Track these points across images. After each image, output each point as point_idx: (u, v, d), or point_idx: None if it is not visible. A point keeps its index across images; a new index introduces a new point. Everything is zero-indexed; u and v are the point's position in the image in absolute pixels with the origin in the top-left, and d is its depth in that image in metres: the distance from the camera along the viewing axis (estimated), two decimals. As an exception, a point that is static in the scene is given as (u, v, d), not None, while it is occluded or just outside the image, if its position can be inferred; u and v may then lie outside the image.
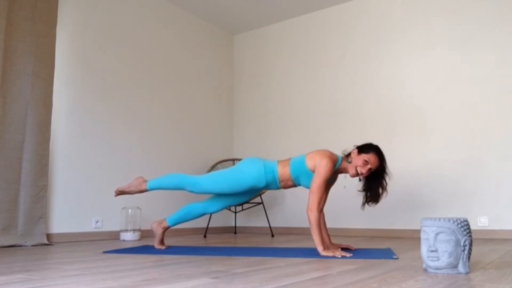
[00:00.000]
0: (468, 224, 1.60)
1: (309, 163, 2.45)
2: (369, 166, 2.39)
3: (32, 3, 3.32)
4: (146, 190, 2.69)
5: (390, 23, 4.25)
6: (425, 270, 1.65)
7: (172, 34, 4.59)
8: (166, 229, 2.74)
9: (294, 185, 2.58)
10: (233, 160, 4.76)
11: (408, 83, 4.07)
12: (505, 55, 3.62)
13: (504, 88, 3.60)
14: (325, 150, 2.48)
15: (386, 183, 2.46)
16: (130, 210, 3.71)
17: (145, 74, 4.25)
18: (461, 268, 1.56)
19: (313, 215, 2.31)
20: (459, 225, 1.57)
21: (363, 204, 2.50)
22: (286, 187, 2.59)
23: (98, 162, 3.72)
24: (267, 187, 2.57)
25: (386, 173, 2.45)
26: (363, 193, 2.52)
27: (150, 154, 4.19)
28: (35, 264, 1.99)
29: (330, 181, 2.56)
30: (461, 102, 3.78)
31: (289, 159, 2.58)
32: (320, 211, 2.43)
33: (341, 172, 2.54)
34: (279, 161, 2.58)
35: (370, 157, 2.40)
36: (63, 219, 3.43)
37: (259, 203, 4.44)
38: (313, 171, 2.43)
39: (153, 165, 4.20)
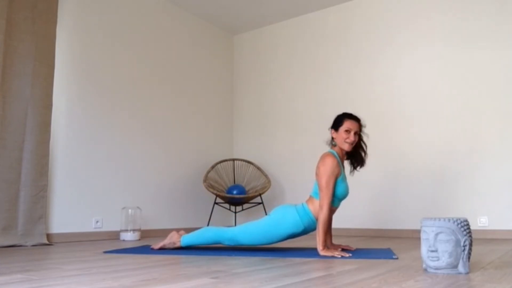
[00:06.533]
0: (468, 224, 1.60)
1: (317, 177, 2.41)
2: (352, 132, 2.45)
3: (32, 3, 3.32)
4: (180, 247, 2.58)
5: (389, 23, 4.25)
6: (425, 270, 1.65)
7: (172, 34, 4.59)
8: (177, 248, 2.61)
9: (332, 208, 2.48)
10: (233, 160, 4.76)
11: (407, 83, 4.07)
12: (505, 55, 3.62)
13: (505, 87, 3.60)
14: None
15: (365, 145, 2.55)
16: (130, 210, 3.71)
17: (145, 74, 4.25)
18: (461, 268, 1.56)
19: (323, 213, 2.30)
20: (459, 225, 1.57)
21: (352, 171, 2.61)
22: None
23: (98, 162, 3.72)
24: (305, 230, 2.45)
25: (363, 134, 2.53)
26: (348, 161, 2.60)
27: (150, 154, 4.19)
28: (35, 264, 1.99)
29: (342, 176, 2.45)
30: (462, 101, 3.78)
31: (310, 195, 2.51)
32: (333, 211, 2.45)
33: (344, 158, 2.55)
34: (306, 201, 2.48)
35: (346, 124, 2.45)
36: (63, 219, 3.43)
37: (259, 203, 4.43)
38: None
39: (153, 164, 4.20)
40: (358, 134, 2.49)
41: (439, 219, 1.59)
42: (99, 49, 3.85)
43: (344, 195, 2.46)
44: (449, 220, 1.57)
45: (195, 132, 4.73)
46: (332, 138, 2.53)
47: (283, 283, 1.38)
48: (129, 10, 4.17)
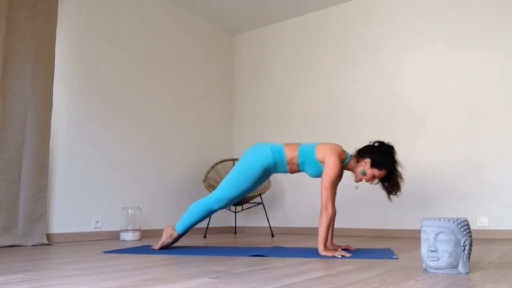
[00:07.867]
0: (468, 224, 1.60)
1: (319, 154, 2.43)
2: (376, 179, 2.42)
3: (32, 3, 3.32)
4: (179, 235, 2.62)
5: (389, 23, 4.25)
6: (425, 270, 1.65)
7: (172, 34, 4.59)
8: (177, 238, 2.64)
9: (299, 170, 2.56)
10: (233, 160, 4.76)
11: (407, 83, 4.07)
12: (505, 54, 3.62)
13: (506, 87, 3.60)
14: (337, 146, 2.46)
15: (401, 178, 2.43)
16: (130, 210, 3.71)
17: (145, 74, 4.25)
18: (461, 268, 1.56)
19: (328, 212, 2.30)
20: (459, 225, 1.57)
21: (389, 198, 2.49)
22: (292, 171, 2.55)
23: (98, 162, 3.72)
24: (276, 167, 2.51)
25: (398, 174, 2.42)
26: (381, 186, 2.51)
27: (150, 153, 4.19)
28: (35, 264, 1.99)
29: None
30: (462, 101, 3.78)
31: (299, 144, 2.55)
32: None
33: (348, 169, 2.52)
34: (285, 144, 2.56)
35: (381, 173, 2.40)
36: (63, 219, 3.43)
37: (259, 203, 4.43)
38: (321, 162, 2.43)
39: (153, 164, 4.20)
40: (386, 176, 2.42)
41: (439, 219, 1.59)
42: (99, 49, 3.85)
43: (313, 177, 2.54)
44: (449, 220, 1.57)
45: (195, 132, 4.73)
46: (360, 157, 2.44)
47: (283, 283, 1.38)
48: (129, 10, 4.17)
